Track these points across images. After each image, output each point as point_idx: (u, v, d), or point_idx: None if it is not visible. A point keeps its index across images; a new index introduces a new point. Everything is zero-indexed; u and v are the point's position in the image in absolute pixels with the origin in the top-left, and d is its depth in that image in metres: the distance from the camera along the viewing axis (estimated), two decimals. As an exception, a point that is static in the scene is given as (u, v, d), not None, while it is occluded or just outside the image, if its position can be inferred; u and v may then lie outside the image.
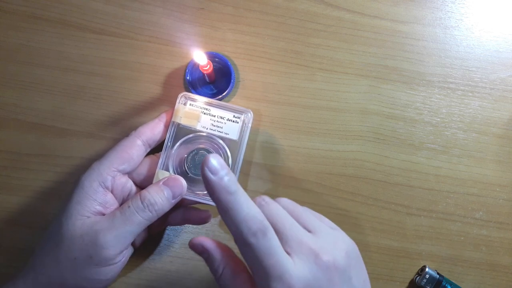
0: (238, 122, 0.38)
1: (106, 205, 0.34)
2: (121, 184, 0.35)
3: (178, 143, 0.38)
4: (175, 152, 0.38)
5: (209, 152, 0.38)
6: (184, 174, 0.38)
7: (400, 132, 0.43)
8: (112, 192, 0.35)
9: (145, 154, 0.37)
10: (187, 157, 0.38)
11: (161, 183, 0.35)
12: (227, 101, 0.42)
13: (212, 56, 0.42)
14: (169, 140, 0.37)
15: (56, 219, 0.34)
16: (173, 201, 0.35)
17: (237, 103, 0.42)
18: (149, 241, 0.40)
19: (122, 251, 0.33)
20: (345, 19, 0.44)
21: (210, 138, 0.38)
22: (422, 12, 0.44)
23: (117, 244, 0.32)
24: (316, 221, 0.32)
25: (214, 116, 0.38)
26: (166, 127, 0.38)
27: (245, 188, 0.41)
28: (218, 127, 0.38)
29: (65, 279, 0.32)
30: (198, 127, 0.38)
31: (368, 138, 0.43)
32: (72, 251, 0.32)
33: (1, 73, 0.42)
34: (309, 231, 0.30)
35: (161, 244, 0.41)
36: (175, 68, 0.42)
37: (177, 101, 0.38)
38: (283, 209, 0.31)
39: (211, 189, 0.28)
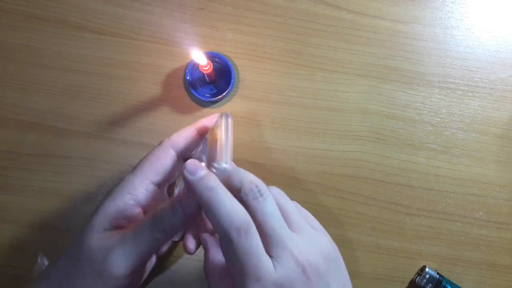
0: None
1: (131, 221, 0.31)
2: (155, 199, 0.32)
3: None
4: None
5: None
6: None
7: (400, 132, 0.43)
8: (145, 207, 0.32)
9: (177, 165, 0.34)
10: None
11: (174, 199, 0.31)
12: (227, 101, 0.42)
13: (212, 56, 0.42)
14: (197, 151, 0.34)
15: (79, 231, 0.31)
16: (185, 217, 0.31)
17: (237, 103, 0.42)
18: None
19: (130, 272, 0.30)
20: (345, 19, 0.44)
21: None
22: (422, 12, 0.44)
23: (124, 263, 0.29)
24: (302, 221, 0.31)
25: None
26: (199, 133, 0.35)
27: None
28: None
29: None
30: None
31: (368, 138, 0.43)
32: (86, 265, 0.30)
33: (1, 73, 0.42)
34: (293, 231, 0.30)
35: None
36: (175, 68, 0.42)
37: (221, 119, 0.33)
38: (275, 206, 0.30)
39: (192, 189, 0.28)
